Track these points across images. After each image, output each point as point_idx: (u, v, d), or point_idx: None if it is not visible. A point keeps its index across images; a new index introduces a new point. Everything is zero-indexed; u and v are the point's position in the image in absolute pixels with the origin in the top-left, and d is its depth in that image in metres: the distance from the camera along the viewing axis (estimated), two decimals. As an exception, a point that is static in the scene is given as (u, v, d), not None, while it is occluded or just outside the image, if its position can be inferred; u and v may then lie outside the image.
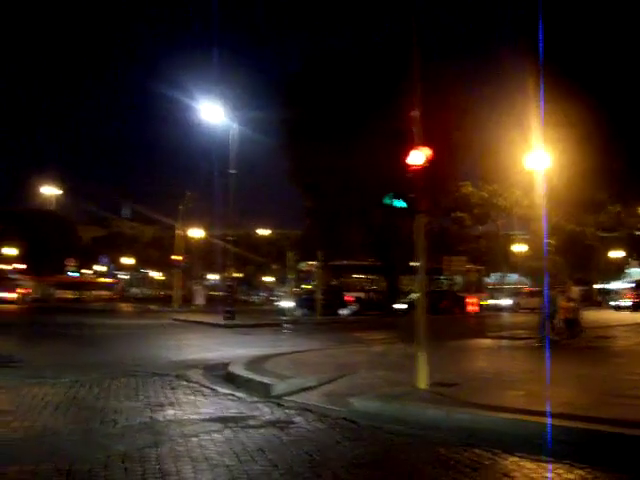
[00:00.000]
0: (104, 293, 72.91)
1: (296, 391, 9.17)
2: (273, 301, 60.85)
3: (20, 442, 6.28)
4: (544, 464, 5.60)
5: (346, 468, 5.47)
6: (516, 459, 5.77)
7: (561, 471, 5.41)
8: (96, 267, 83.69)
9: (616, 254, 62.28)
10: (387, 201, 9.97)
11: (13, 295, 59.49)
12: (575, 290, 20.57)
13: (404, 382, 8.91)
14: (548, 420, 6.51)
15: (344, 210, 37.97)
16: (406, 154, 9.15)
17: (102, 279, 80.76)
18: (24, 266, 65.62)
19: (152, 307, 49.48)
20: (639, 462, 5.74)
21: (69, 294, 66.72)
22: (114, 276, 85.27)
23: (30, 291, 61.44)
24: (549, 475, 5.34)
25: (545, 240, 19.75)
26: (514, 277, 64.65)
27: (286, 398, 8.73)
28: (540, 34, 16.08)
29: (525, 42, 18.76)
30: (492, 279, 65.29)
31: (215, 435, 6.55)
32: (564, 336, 18.30)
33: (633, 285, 48.63)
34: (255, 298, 75.98)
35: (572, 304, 19.29)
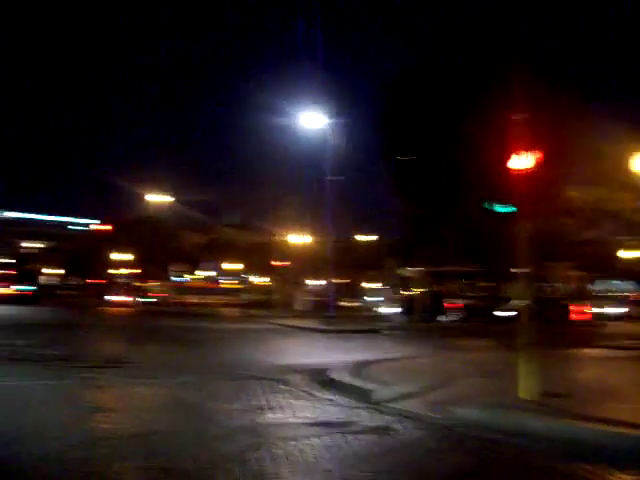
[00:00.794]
0: (223, 298, 75.06)
1: (396, 398, 9.08)
2: (372, 307, 60.72)
3: (129, 439, 6.50)
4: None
5: (447, 477, 5.39)
6: (624, 475, 5.52)
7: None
8: (200, 272, 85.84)
9: None
10: (487, 206, 9.82)
11: (128, 299, 62.18)
12: None
13: (506, 391, 8.69)
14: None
15: (445, 215, 37.53)
16: (509, 158, 8.95)
17: (225, 283, 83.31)
18: (138, 271, 68.34)
19: (253, 312, 50.33)
20: None
21: (193, 299, 69.43)
22: (217, 281, 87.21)
23: (166, 295, 64.54)
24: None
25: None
26: (621, 284, 61.97)
27: (386, 405, 8.67)
28: None
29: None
30: (597, 286, 62.85)
31: (314, 440, 6.57)
32: None
33: None
34: (354, 304, 75.94)
35: None
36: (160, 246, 74.20)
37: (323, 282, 54.15)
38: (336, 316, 30.40)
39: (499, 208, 9.72)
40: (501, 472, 5.66)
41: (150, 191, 66.01)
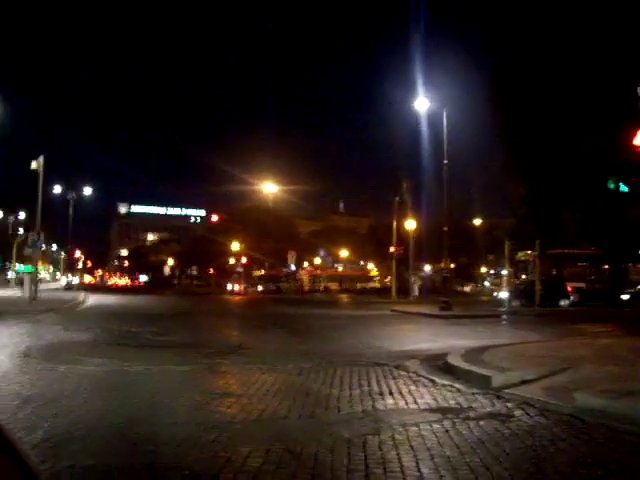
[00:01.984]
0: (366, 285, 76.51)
1: (516, 384, 8.95)
2: (490, 292, 59.66)
3: (252, 424, 6.75)
4: None
5: (571, 467, 5.28)
6: None
7: None
8: (315, 260, 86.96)
9: None
10: (611, 185, 9.48)
11: (240, 287, 64.04)
12: None
13: (633, 378, 8.40)
14: None
15: (562, 196, 36.43)
16: (634, 135, 8.60)
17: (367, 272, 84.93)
18: (245, 260, 70.04)
19: (369, 298, 50.62)
20: None
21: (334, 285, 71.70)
22: (333, 268, 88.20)
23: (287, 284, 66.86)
24: None
25: None
26: None
27: (505, 391, 8.56)
28: None
29: None
30: None
31: (435, 425, 6.59)
32: None
33: None
34: (471, 289, 74.90)
35: None
36: (273, 234, 75.63)
37: (439, 267, 53.70)
38: (452, 301, 30.11)
39: (623, 187, 9.36)
40: (627, 464, 5.48)
41: (262, 181, 67.37)
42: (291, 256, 67.90)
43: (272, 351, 14.03)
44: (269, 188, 67.80)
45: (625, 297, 35.95)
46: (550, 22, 32.23)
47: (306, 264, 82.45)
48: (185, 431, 6.31)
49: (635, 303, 33.63)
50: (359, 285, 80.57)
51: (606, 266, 41.03)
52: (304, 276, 74.52)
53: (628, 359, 10.18)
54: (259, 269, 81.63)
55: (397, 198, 49.12)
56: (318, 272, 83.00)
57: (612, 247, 38.56)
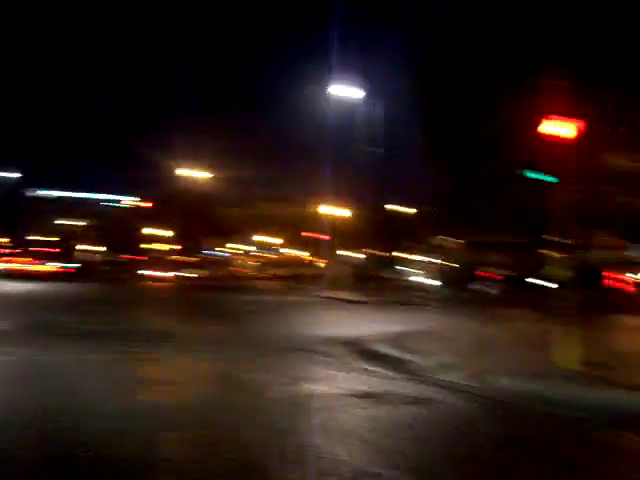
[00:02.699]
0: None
1: (438, 368, 9.11)
2: (412, 278, 60.51)
3: (177, 411, 6.64)
4: None
5: (493, 446, 5.41)
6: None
7: None
8: (239, 246, 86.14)
9: None
10: (528, 174, 9.74)
11: (169, 274, 62.94)
12: None
13: (547, 360, 8.67)
14: None
15: (481, 184, 37.13)
16: (549, 126, 8.84)
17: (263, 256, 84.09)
18: (179, 247, 68.96)
19: (294, 285, 50.51)
20: None
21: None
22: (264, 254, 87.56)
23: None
24: None
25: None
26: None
27: (427, 375, 8.71)
28: None
29: None
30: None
31: (359, 410, 6.64)
32: None
33: None
34: (394, 275, 75.67)
35: None
36: (198, 221, 74.77)
37: (361, 254, 54.19)
38: (374, 287, 30.44)
39: (538, 176, 9.64)
40: (545, 441, 5.66)
41: (185, 166, 66.25)
42: (220, 242, 66.96)
43: (200, 338, 13.81)
44: (195, 174, 66.54)
45: (541, 283, 37.04)
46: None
47: (238, 249, 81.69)
48: (107, 420, 6.12)
49: (552, 289, 34.67)
50: (299, 271, 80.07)
51: (523, 253, 42.15)
52: (239, 261, 73.77)
53: (542, 343, 10.49)
54: (189, 255, 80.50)
55: (322, 185, 49.25)
56: (254, 258, 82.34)
57: (528, 234, 39.63)
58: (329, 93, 32.12)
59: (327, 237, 49.56)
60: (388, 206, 71.26)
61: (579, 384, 7.45)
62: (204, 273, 67.95)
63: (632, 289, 40.82)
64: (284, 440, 5.50)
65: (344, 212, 54.10)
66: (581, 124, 8.69)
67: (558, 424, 6.19)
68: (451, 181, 39.07)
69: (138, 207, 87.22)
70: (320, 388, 7.94)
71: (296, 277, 70.98)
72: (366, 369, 9.28)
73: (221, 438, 5.57)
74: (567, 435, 5.82)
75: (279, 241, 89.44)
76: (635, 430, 5.80)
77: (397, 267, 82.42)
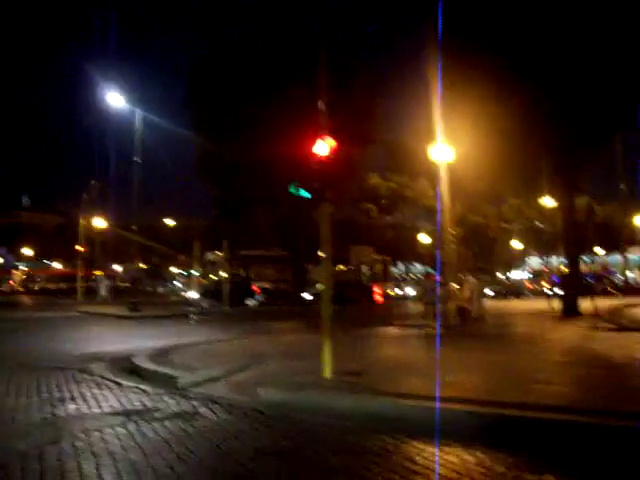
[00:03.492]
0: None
1: (203, 382, 9.07)
2: (179, 292, 60.10)
3: None
4: (446, 448, 5.71)
5: (252, 457, 5.47)
6: (419, 444, 5.87)
7: (462, 454, 5.55)
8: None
9: (517, 245, 65.06)
10: (293, 190, 10.03)
11: None
12: (470, 281, 21.58)
13: (312, 371, 8.96)
14: (448, 405, 6.68)
15: (250, 199, 37.83)
16: (312, 144, 9.18)
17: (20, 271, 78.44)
18: None
19: (55, 300, 48.03)
20: (539, 443, 5.94)
21: None
22: (14, 267, 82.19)
23: None
24: (450, 458, 5.46)
25: (446, 231, 20.36)
26: (420, 267, 66.06)
27: (192, 390, 8.64)
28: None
29: (427, 33, 19.30)
30: (399, 269, 66.33)
31: (118, 429, 6.42)
32: (457, 323, 19.19)
33: (532, 276, 50.76)
34: (161, 289, 74.81)
35: (467, 293, 20.22)
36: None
37: (129, 268, 52.83)
38: (142, 302, 29.80)
39: (303, 192, 9.97)
40: (305, 450, 5.81)
41: None
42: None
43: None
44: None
45: (307, 296, 38.48)
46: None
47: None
48: None
49: (317, 302, 36.14)
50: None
51: (291, 267, 43.57)
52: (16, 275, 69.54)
53: (307, 354, 10.85)
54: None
55: (85, 195, 47.60)
56: (31, 271, 77.08)
57: (296, 249, 41.04)
58: (102, 102, 30.99)
59: (92, 251, 47.87)
60: (158, 219, 70.35)
61: (338, 392, 7.77)
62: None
63: (390, 300, 43.89)
64: (43, 467, 5.15)
65: (113, 225, 52.56)
66: (336, 143, 9.13)
67: (321, 432, 6.39)
68: (223, 195, 39.44)
69: None
70: (80, 408, 7.56)
71: (56, 292, 67.48)
72: (129, 386, 9.01)
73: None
74: (330, 443, 6.01)
75: (36, 253, 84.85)
76: (395, 434, 6.14)
77: (167, 281, 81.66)
